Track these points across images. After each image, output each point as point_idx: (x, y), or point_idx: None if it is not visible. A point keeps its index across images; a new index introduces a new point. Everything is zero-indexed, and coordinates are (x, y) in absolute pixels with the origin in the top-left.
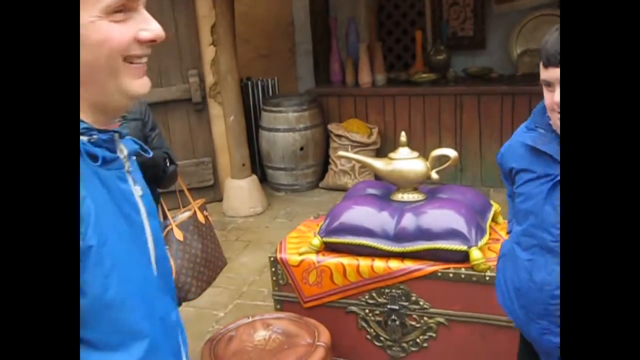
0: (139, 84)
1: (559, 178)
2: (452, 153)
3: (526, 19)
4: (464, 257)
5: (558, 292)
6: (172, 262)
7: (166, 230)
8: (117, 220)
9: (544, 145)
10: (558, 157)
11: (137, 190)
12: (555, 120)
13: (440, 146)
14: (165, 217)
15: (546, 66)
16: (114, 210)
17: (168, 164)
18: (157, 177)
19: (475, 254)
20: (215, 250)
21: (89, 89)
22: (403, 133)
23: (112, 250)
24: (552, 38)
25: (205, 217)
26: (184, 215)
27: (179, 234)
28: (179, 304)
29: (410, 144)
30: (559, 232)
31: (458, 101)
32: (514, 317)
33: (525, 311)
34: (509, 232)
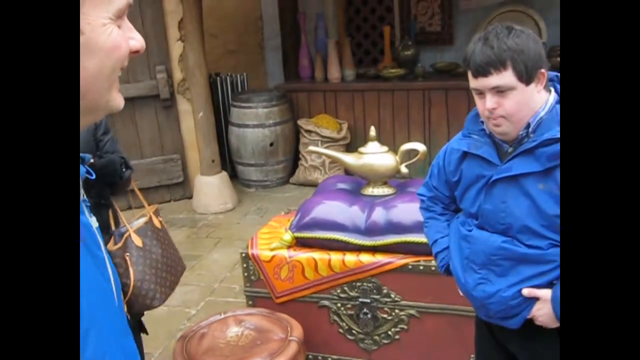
0: (121, 99)
1: (494, 178)
2: (420, 147)
3: (492, 15)
4: None
5: (504, 244)
6: (131, 270)
7: (124, 236)
8: (85, 261)
9: (478, 150)
10: (491, 159)
11: (94, 222)
12: (490, 125)
13: (409, 141)
14: (117, 223)
15: (475, 76)
16: (83, 251)
17: (124, 169)
18: (114, 183)
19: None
20: (174, 255)
21: (82, 102)
22: (372, 128)
23: (88, 300)
24: (477, 49)
25: (161, 222)
26: (140, 221)
27: (137, 240)
28: (142, 313)
29: (379, 139)
30: (503, 226)
31: (426, 96)
32: (455, 268)
33: (467, 261)
34: (440, 251)
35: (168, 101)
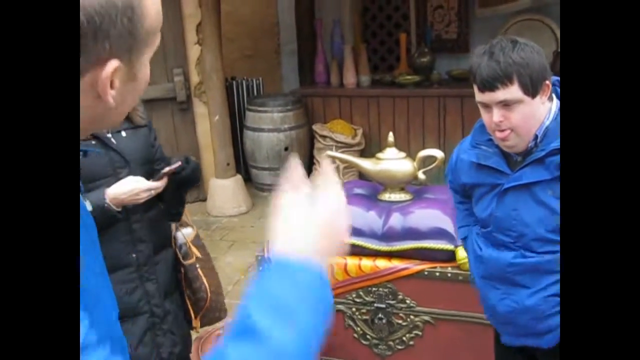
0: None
1: (505, 187)
2: (438, 154)
3: (509, 24)
4: (450, 256)
5: (513, 260)
6: (206, 283)
7: (184, 248)
8: (84, 245)
9: (487, 160)
10: (501, 169)
11: (88, 205)
12: (497, 139)
13: (423, 147)
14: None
15: (482, 91)
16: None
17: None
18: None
19: (462, 253)
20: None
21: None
22: (391, 134)
23: (86, 286)
24: (482, 63)
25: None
26: (189, 231)
27: (196, 252)
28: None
29: (394, 145)
30: (514, 233)
31: (441, 103)
32: (477, 285)
33: (485, 280)
34: (462, 239)
35: (184, 104)
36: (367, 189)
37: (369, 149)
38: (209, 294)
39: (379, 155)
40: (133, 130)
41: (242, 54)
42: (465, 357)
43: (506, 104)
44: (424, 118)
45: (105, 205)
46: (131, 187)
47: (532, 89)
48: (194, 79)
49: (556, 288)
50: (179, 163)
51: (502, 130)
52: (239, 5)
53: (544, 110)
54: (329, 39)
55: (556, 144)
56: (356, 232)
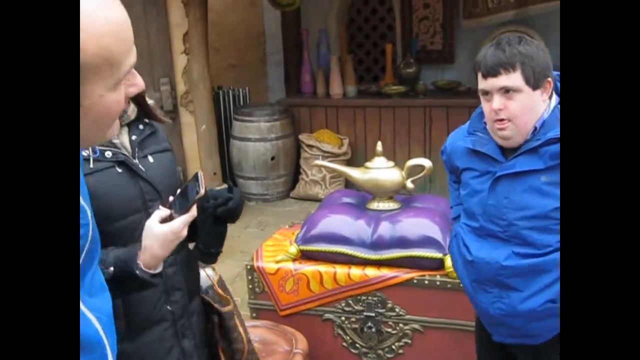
0: (116, 128)
1: (498, 174)
2: (427, 163)
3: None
4: (439, 264)
5: (505, 263)
6: (242, 331)
7: (210, 292)
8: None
9: (483, 147)
10: (495, 156)
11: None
12: (494, 129)
13: (409, 157)
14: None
15: (485, 77)
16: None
17: None
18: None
19: (450, 261)
20: None
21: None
22: (379, 143)
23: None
24: (489, 52)
25: None
26: (211, 272)
27: (226, 296)
28: None
29: (387, 155)
30: (504, 222)
31: (427, 113)
32: (466, 288)
33: (476, 283)
34: (454, 218)
35: (171, 113)
36: (355, 198)
37: (356, 159)
38: (245, 345)
39: (368, 164)
40: (160, 154)
41: (227, 63)
42: None
43: (507, 91)
44: (409, 128)
45: (141, 277)
46: (164, 238)
47: (533, 80)
48: (181, 88)
49: (550, 292)
50: (203, 189)
51: (501, 120)
52: (225, 14)
53: (543, 106)
54: (315, 49)
55: (552, 134)
56: (345, 240)
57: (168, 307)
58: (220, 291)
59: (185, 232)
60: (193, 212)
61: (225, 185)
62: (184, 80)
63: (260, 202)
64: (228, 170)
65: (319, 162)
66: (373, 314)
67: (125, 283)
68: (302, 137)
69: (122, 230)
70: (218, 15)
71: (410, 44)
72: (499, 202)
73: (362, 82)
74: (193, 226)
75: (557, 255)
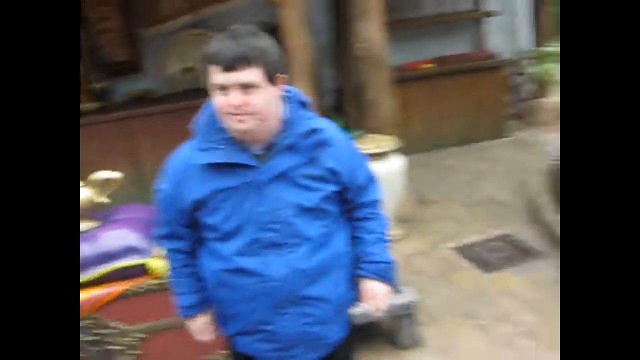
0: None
1: (267, 178)
2: (114, 175)
3: (177, 39)
4: (142, 270)
5: (304, 266)
6: None
7: None
8: None
9: (231, 157)
10: (249, 163)
11: None
12: (231, 122)
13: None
14: None
15: (223, 71)
16: None
17: None
18: None
19: (153, 264)
20: None
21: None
22: None
23: None
24: (224, 45)
25: None
26: None
27: None
28: None
29: (85, 177)
30: (281, 224)
31: (126, 125)
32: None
33: (273, 311)
34: (171, 250)
35: None
36: None
37: None
38: None
39: None
40: None
41: None
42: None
43: (246, 87)
44: (112, 143)
45: None
46: None
47: (271, 76)
48: None
49: (341, 289)
50: None
51: (239, 114)
52: None
53: (280, 105)
54: None
55: (303, 128)
56: None
57: None
58: None
59: None
60: None
61: None
62: None
63: None
64: None
65: None
66: (92, 338)
67: None
68: None
69: None
70: None
71: (98, 58)
72: (270, 205)
73: None
74: None
75: (323, 238)
